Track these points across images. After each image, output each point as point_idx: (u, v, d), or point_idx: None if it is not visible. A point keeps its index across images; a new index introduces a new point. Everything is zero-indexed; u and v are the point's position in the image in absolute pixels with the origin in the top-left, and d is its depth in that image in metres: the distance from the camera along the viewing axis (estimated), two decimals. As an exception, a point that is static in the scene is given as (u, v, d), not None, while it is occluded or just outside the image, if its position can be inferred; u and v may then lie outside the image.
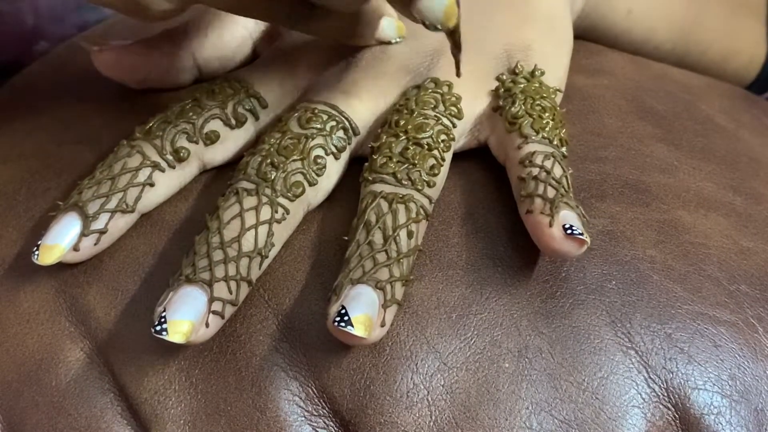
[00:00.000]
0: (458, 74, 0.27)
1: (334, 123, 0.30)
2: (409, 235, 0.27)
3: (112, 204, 0.28)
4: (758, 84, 0.46)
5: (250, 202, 0.27)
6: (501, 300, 0.27)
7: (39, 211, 0.31)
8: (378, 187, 0.28)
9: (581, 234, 0.26)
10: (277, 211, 0.27)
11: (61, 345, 0.28)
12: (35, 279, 0.29)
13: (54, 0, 0.47)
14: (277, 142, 0.29)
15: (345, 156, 0.30)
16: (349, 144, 0.30)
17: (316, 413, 0.26)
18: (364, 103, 0.30)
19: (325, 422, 0.26)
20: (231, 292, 0.25)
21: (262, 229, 0.27)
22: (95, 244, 0.28)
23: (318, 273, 0.28)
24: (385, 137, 0.29)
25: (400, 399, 0.26)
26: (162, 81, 0.34)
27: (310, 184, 0.29)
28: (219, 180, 0.31)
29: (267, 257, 0.27)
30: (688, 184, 0.32)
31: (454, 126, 0.30)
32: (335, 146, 0.29)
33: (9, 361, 0.28)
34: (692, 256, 0.29)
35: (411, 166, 0.28)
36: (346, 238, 0.27)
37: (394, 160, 0.28)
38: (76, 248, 0.27)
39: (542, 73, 0.31)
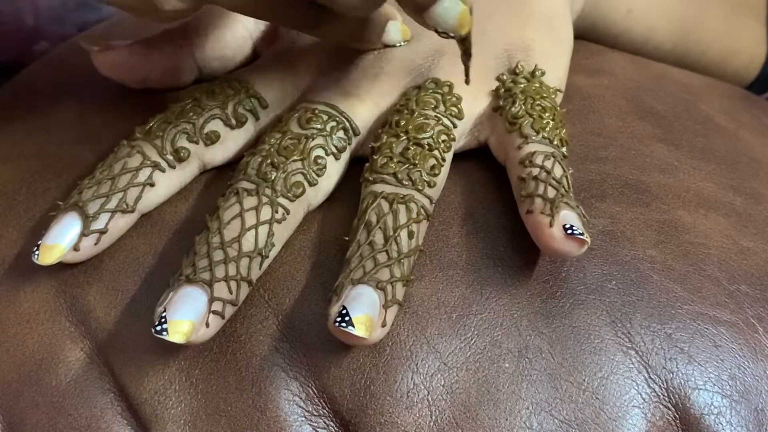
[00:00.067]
0: (467, 81, 0.27)
1: (334, 123, 0.30)
2: (410, 235, 0.27)
3: (113, 204, 0.28)
4: (758, 84, 0.46)
5: (250, 202, 0.27)
6: (501, 300, 0.27)
7: (39, 211, 0.31)
8: (379, 188, 0.28)
9: (581, 234, 0.26)
10: (277, 212, 0.27)
11: (61, 345, 0.28)
12: (35, 279, 0.29)
13: (54, 0, 0.47)
14: (278, 142, 0.29)
15: (345, 156, 0.30)
16: (349, 144, 0.30)
17: (316, 413, 0.26)
18: (364, 104, 0.31)
19: (325, 422, 0.26)
20: (231, 292, 0.25)
21: (263, 229, 0.27)
22: (95, 244, 0.28)
23: (318, 273, 0.28)
24: (385, 137, 0.29)
25: (401, 399, 0.26)
26: (162, 81, 0.34)
27: (311, 185, 0.29)
28: (219, 180, 0.31)
29: (267, 257, 0.27)
30: (688, 184, 0.32)
31: (455, 126, 0.30)
32: (335, 146, 0.29)
33: (9, 361, 0.28)
34: (692, 256, 0.29)
35: (412, 167, 0.28)
36: (346, 238, 0.27)
37: (395, 160, 0.28)
38: (76, 248, 0.27)
39: (542, 73, 0.31)
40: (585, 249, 0.26)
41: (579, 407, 0.26)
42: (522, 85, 0.31)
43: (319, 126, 0.29)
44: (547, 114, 0.30)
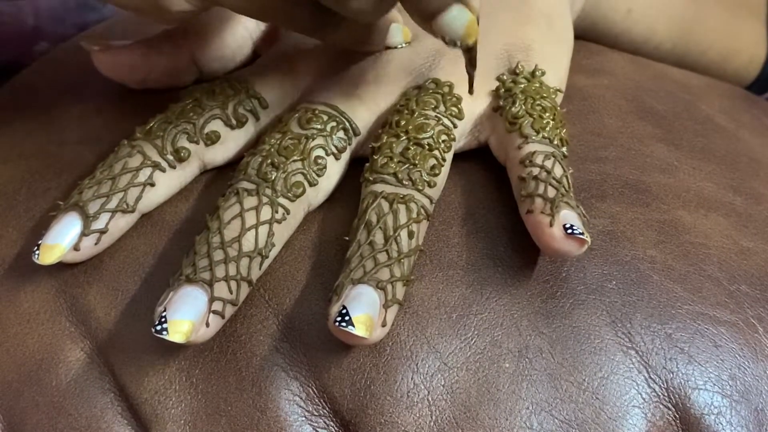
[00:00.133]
0: (470, 91, 0.27)
1: (334, 123, 0.30)
2: (410, 235, 0.27)
3: (113, 204, 0.28)
4: (758, 84, 0.46)
5: (250, 202, 0.27)
6: (501, 300, 0.27)
7: (39, 211, 0.31)
8: (379, 187, 0.28)
9: (582, 233, 0.26)
10: (277, 212, 0.27)
11: (62, 345, 0.28)
12: (35, 279, 0.29)
13: (54, 0, 0.47)
14: (278, 142, 0.29)
15: (345, 156, 0.30)
16: (349, 144, 0.30)
17: (316, 413, 0.26)
18: (364, 104, 0.31)
19: (325, 422, 0.26)
20: (231, 292, 0.25)
21: (263, 229, 0.27)
22: (96, 244, 0.28)
23: (318, 273, 0.28)
24: (385, 137, 0.29)
25: (401, 399, 0.26)
26: (162, 81, 0.34)
27: (311, 185, 0.29)
28: (219, 180, 0.31)
29: (267, 257, 0.27)
30: (688, 184, 0.32)
31: (455, 126, 0.30)
32: (336, 147, 0.29)
33: (9, 361, 0.28)
34: (692, 256, 0.29)
35: (412, 167, 0.28)
36: (346, 238, 0.27)
37: (395, 160, 0.28)
38: (76, 248, 0.27)
39: (543, 73, 0.31)
40: (585, 249, 0.26)
41: (579, 407, 0.26)
42: (522, 85, 0.31)
43: (319, 126, 0.29)
44: (547, 114, 0.30)
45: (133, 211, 0.28)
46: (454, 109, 0.30)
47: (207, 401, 0.26)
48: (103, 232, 0.28)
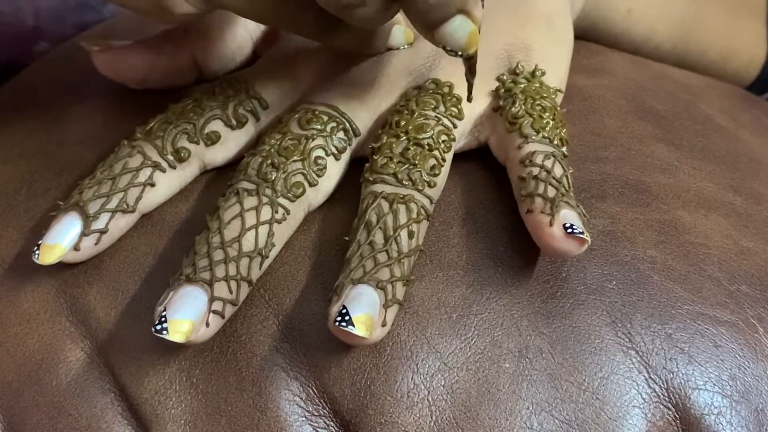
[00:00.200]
0: (470, 99, 0.27)
1: (334, 124, 0.30)
2: (410, 235, 0.27)
3: (113, 204, 0.28)
4: (758, 84, 0.46)
5: (250, 202, 0.27)
6: (501, 300, 0.27)
7: (39, 211, 0.31)
8: (379, 188, 0.28)
9: (582, 233, 0.26)
10: (277, 212, 0.27)
11: (62, 345, 0.28)
12: (36, 279, 0.29)
13: (54, 0, 0.47)
14: (278, 142, 0.29)
15: (345, 157, 0.30)
16: (349, 145, 0.30)
17: (316, 413, 0.26)
18: (364, 104, 0.31)
19: (325, 422, 0.26)
20: (231, 292, 0.25)
21: (263, 230, 0.27)
22: (96, 244, 0.28)
23: (319, 273, 0.28)
24: (385, 138, 0.29)
25: (401, 399, 0.26)
26: (162, 81, 0.34)
27: (311, 185, 0.29)
28: (219, 180, 0.31)
29: (267, 257, 0.27)
30: (689, 184, 0.32)
31: (455, 126, 0.30)
32: (336, 147, 0.29)
33: (9, 361, 0.28)
34: (692, 256, 0.29)
35: (412, 167, 0.28)
36: (346, 238, 0.27)
37: (395, 160, 0.28)
38: (76, 248, 0.28)
39: (543, 74, 0.31)
40: (585, 248, 0.26)
41: (579, 407, 0.26)
42: (522, 85, 0.31)
43: (319, 126, 0.29)
44: (547, 114, 0.30)
45: (133, 211, 0.28)
46: (454, 109, 0.30)
47: (207, 401, 0.26)
48: (103, 232, 0.28)
